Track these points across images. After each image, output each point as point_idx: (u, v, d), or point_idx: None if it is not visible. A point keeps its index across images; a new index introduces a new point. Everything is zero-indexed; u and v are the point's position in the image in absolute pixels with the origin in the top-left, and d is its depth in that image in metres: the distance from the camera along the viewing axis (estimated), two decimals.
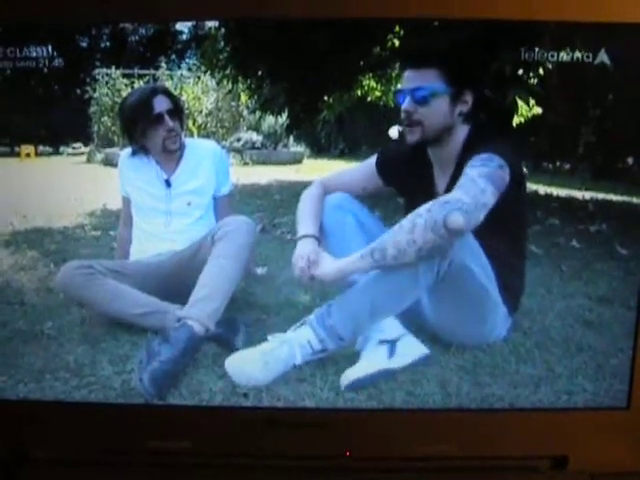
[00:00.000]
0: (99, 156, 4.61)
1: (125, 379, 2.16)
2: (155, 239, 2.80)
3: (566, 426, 1.94)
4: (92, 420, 1.96)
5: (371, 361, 2.18)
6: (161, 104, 2.71)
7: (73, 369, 2.23)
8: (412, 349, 2.24)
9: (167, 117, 2.71)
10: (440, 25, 2.58)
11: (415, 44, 2.35)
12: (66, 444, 1.92)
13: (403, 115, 2.33)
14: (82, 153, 4.63)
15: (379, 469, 1.92)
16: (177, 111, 2.76)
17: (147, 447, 1.87)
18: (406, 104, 2.30)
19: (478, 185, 2.07)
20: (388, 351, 2.20)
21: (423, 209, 2.03)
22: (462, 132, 2.38)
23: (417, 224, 2.00)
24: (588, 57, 2.11)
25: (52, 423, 1.95)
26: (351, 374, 2.14)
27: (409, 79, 2.31)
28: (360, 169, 2.64)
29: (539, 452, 1.93)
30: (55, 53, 2.21)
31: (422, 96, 2.28)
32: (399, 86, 2.37)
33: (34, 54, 2.21)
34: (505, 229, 2.25)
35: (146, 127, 2.73)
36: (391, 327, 2.23)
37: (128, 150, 2.91)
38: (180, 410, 2.04)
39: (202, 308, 2.33)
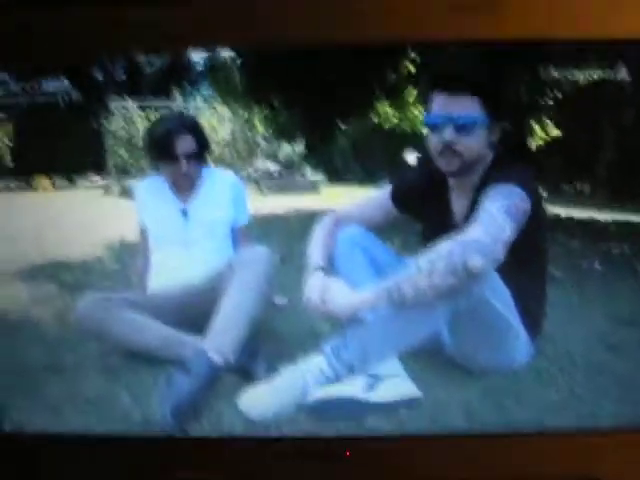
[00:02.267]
0: (116, 188, 4.65)
1: (145, 411, 2.16)
2: (173, 270, 2.79)
3: (594, 448, 1.93)
4: (113, 453, 1.97)
5: (345, 387, 2.13)
6: (183, 145, 2.71)
7: (92, 401, 2.24)
8: (398, 389, 2.18)
9: (183, 160, 2.71)
10: (457, 52, 2.59)
11: (453, 68, 2.29)
12: (88, 477, 1.93)
13: (441, 146, 2.26)
14: (99, 186, 4.68)
15: None
16: (199, 154, 2.77)
17: (170, 479, 1.88)
18: (449, 134, 2.23)
19: (498, 222, 2.04)
20: (368, 384, 2.14)
21: (443, 250, 1.99)
22: (487, 160, 2.35)
23: (436, 268, 1.97)
24: (608, 74, 2.12)
25: (72, 457, 1.97)
26: (318, 393, 2.12)
27: (446, 105, 2.24)
28: (374, 199, 2.62)
29: (567, 475, 1.92)
30: (71, 87, 2.25)
31: (467, 126, 2.23)
32: (433, 111, 2.28)
33: (50, 89, 2.24)
34: (525, 256, 2.20)
35: (160, 162, 2.77)
36: (386, 365, 2.19)
37: (145, 180, 2.94)
38: (202, 441, 2.05)
39: (222, 339, 2.32)
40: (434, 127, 2.27)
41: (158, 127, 2.79)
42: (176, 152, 2.70)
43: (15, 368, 2.51)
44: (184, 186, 2.82)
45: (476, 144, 2.26)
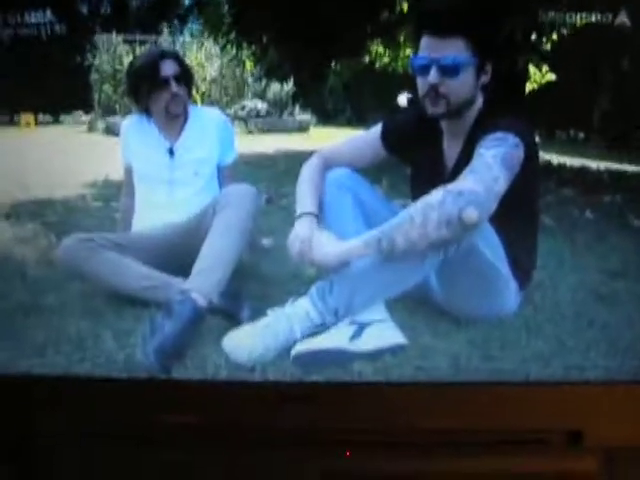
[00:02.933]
0: (100, 125, 4.61)
1: (129, 353, 2.17)
2: (158, 209, 2.80)
3: (579, 401, 1.94)
4: (96, 394, 1.97)
5: (330, 337, 2.15)
6: (168, 68, 2.72)
7: (75, 343, 2.24)
8: (383, 336, 2.18)
9: (173, 81, 2.71)
10: None
11: (436, 8, 2.24)
12: (71, 418, 1.94)
13: (427, 88, 2.23)
14: (83, 122, 4.64)
15: (387, 443, 1.93)
16: (184, 77, 2.77)
17: (153, 421, 1.89)
18: (432, 76, 2.19)
19: (492, 171, 2.03)
20: (353, 332, 2.15)
21: (435, 200, 1.98)
22: (478, 103, 2.34)
23: (430, 219, 1.96)
24: (607, 18, 2.10)
25: (55, 397, 1.97)
26: (301, 346, 2.13)
27: (430, 47, 2.20)
28: (363, 139, 2.60)
29: (552, 427, 1.93)
30: (55, 19, 2.21)
31: (452, 68, 2.18)
32: (419, 53, 2.25)
33: (34, 20, 2.21)
34: (516, 204, 2.18)
35: (151, 90, 2.75)
36: (371, 310, 2.20)
37: (130, 118, 2.93)
38: (186, 384, 2.06)
39: (204, 280, 2.32)
40: (419, 69, 2.24)
41: (140, 58, 2.84)
42: (164, 74, 2.72)
43: None
44: (173, 119, 2.82)
45: (462, 86, 2.23)
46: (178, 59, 2.78)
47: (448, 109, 2.25)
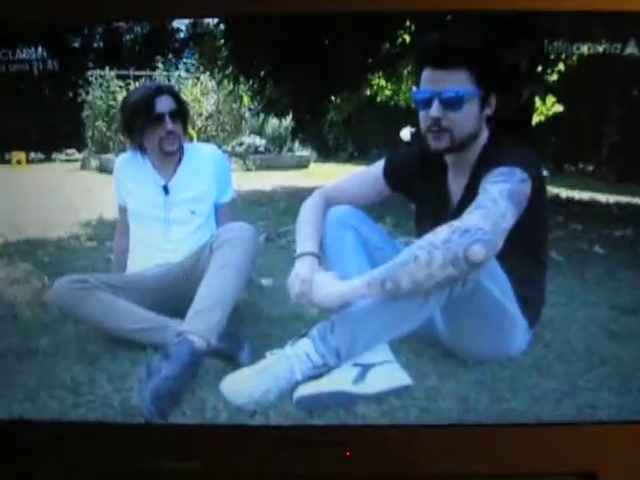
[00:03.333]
0: (94, 162, 4.63)
1: (124, 397, 2.17)
2: (154, 249, 2.80)
3: (592, 442, 1.94)
4: (91, 439, 1.98)
5: (333, 380, 2.14)
6: (164, 104, 2.73)
7: (69, 387, 2.25)
8: (388, 377, 2.17)
9: (168, 118, 2.72)
10: (455, 19, 2.57)
11: (440, 41, 2.24)
12: (67, 465, 1.95)
13: (429, 121, 2.24)
14: (76, 160, 4.66)
15: None
16: (180, 113, 2.78)
17: (150, 467, 1.89)
18: (435, 110, 2.20)
19: (499, 207, 2.02)
20: (356, 375, 2.14)
21: (440, 238, 1.97)
22: (483, 137, 2.33)
23: (435, 258, 1.95)
24: (616, 49, 2.11)
25: (49, 443, 1.98)
26: (304, 389, 2.12)
27: (432, 80, 2.22)
28: (365, 176, 2.60)
29: (565, 470, 1.93)
30: (47, 55, 2.24)
31: (454, 101, 2.19)
32: (421, 86, 2.26)
33: (25, 56, 2.24)
34: (524, 240, 2.19)
35: (145, 126, 2.75)
36: (374, 351, 2.18)
37: (124, 155, 2.94)
38: (183, 429, 2.06)
39: (202, 321, 2.32)
40: (421, 102, 2.25)
41: (135, 93, 2.84)
42: (158, 110, 2.72)
43: None
44: (168, 156, 2.82)
45: (466, 120, 2.24)
46: (174, 95, 2.79)
47: (451, 143, 2.26)
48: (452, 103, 2.20)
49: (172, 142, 2.76)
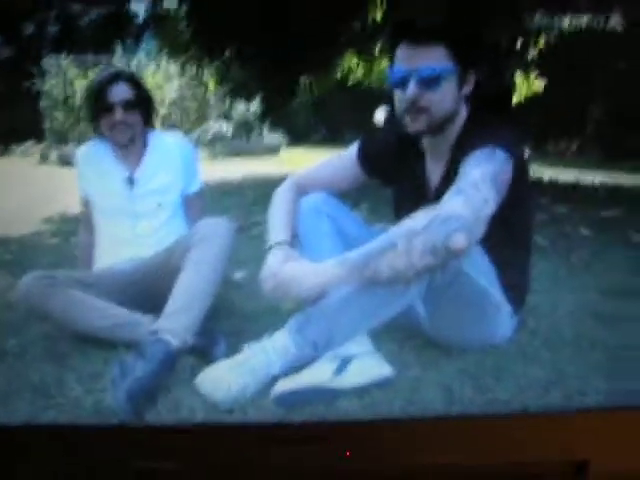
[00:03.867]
0: (54, 155, 4.64)
1: (97, 398, 2.18)
2: (120, 244, 2.82)
3: (582, 429, 1.98)
4: (63, 443, 2.00)
5: (312, 374, 2.15)
6: (117, 93, 2.75)
7: (39, 389, 2.25)
8: (368, 369, 2.18)
9: (119, 108, 2.74)
10: None
11: (414, 14, 2.24)
12: (37, 469, 1.97)
13: (405, 103, 2.24)
14: (35, 153, 4.66)
15: None
16: (138, 102, 2.80)
17: (126, 468, 1.92)
18: (412, 89, 2.20)
19: (481, 192, 2.03)
20: (336, 367, 2.15)
21: (419, 225, 1.98)
22: (462, 117, 2.34)
23: (414, 246, 1.96)
24: (599, 21, 2.15)
25: (19, 447, 2.00)
26: (282, 385, 2.12)
27: (408, 57, 2.21)
28: (339, 161, 2.60)
29: (556, 458, 1.97)
30: (0, 42, 2.27)
31: (432, 78, 2.19)
32: (395, 65, 2.26)
33: None
34: (506, 224, 2.21)
35: (98, 115, 2.79)
36: (353, 342, 2.19)
37: (85, 146, 2.95)
38: (160, 429, 2.08)
39: (178, 320, 2.34)
40: (397, 82, 2.25)
41: (94, 80, 2.85)
42: (110, 100, 2.74)
43: None
44: (125, 145, 2.83)
45: (444, 98, 2.24)
46: (133, 83, 2.81)
47: (429, 124, 2.27)
48: (429, 81, 2.20)
49: (123, 132, 2.79)
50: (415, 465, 1.93)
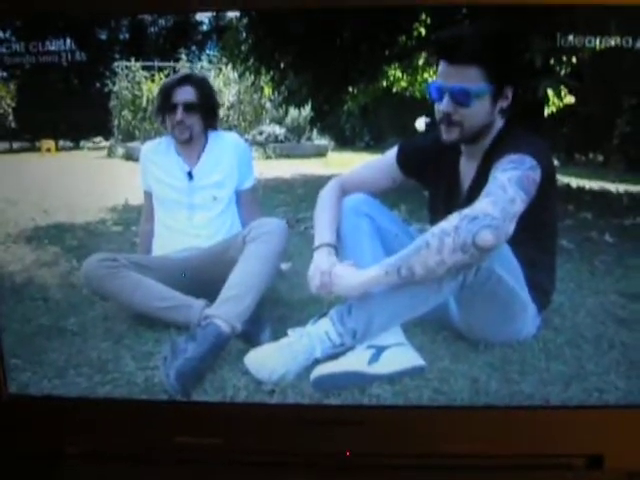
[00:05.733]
0: (120, 150, 4.65)
1: (148, 375, 2.21)
2: (178, 234, 2.84)
3: (600, 424, 1.94)
4: (116, 415, 2.01)
5: (349, 361, 2.18)
6: (181, 95, 2.78)
7: (96, 365, 2.29)
8: (401, 359, 2.21)
9: (180, 109, 2.77)
10: (470, 13, 2.55)
11: (452, 36, 2.21)
12: (92, 439, 1.97)
13: (440, 115, 2.23)
14: (103, 147, 4.67)
15: (409, 466, 1.94)
16: (199, 104, 2.81)
17: (175, 443, 1.92)
18: (445, 105, 2.20)
19: (507, 193, 2.01)
20: (371, 356, 2.17)
21: (450, 225, 1.98)
22: (496, 128, 2.32)
23: (445, 244, 1.96)
24: (627, 42, 2.10)
25: (77, 418, 2.01)
26: (321, 369, 2.16)
27: (446, 74, 2.19)
28: (379, 163, 2.61)
29: (573, 451, 1.94)
30: (75, 46, 2.26)
31: (463, 98, 2.18)
32: (434, 79, 2.26)
33: (54, 48, 2.25)
34: (535, 227, 2.20)
35: (164, 115, 2.83)
36: (388, 333, 2.21)
37: (150, 142, 2.98)
38: (205, 406, 2.08)
39: (231, 308, 2.36)
40: (434, 95, 2.24)
41: (164, 81, 2.92)
42: (174, 100, 2.77)
43: (20, 331, 2.56)
44: (186, 142, 2.85)
45: (476, 114, 2.23)
46: (199, 85, 2.82)
47: (462, 135, 2.26)
48: (461, 99, 2.18)
49: (182, 131, 2.81)
50: (440, 451, 1.91)
